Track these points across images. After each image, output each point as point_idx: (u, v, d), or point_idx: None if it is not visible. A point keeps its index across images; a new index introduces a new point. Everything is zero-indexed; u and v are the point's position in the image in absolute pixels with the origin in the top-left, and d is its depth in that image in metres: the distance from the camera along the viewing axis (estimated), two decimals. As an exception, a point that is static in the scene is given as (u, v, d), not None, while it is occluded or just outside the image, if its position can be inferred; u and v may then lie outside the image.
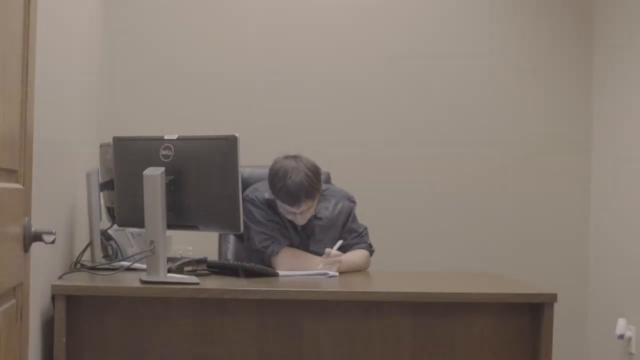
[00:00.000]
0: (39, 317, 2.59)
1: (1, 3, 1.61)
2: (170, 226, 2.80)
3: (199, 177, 2.80)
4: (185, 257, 3.09)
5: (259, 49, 4.49)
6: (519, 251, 4.60)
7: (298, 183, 3.11)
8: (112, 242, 3.20)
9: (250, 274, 2.99)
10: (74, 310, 2.67)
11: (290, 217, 3.24)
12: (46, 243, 1.86)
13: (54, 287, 2.66)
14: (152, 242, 2.75)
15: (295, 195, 3.12)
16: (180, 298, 2.73)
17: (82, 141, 3.51)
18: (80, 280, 2.79)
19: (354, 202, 3.45)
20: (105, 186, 3.14)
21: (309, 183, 3.11)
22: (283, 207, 3.24)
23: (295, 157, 3.24)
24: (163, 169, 2.76)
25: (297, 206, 3.15)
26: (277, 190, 3.19)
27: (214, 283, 2.86)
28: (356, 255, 3.33)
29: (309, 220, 3.27)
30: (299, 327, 2.73)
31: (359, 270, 3.30)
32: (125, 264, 2.94)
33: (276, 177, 3.19)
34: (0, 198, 1.61)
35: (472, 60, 4.63)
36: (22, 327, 1.84)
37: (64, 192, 3.08)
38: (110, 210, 3.22)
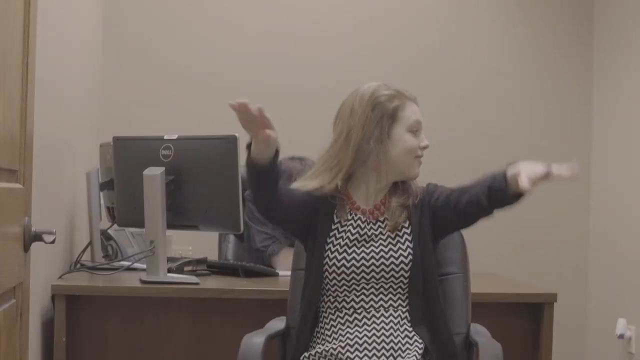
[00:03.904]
0: (39, 317, 2.59)
1: (1, 3, 1.61)
2: (170, 226, 2.80)
3: (199, 177, 2.80)
4: (185, 257, 3.09)
5: (259, 49, 4.49)
6: (519, 251, 4.60)
7: None
8: (112, 242, 3.20)
9: (250, 274, 2.99)
10: (74, 310, 2.67)
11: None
12: (46, 243, 1.86)
13: (54, 287, 2.67)
14: (152, 242, 2.75)
15: None
16: (180, 298, 2.73)
17: (82, 141, 3.51)
18: (80, 280, 2.79)
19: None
20: (105, 186, 3.14)
21: None
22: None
23: (300, 159, 3.25)
24: (163, 169, 2.76)
25: None
26: None
27: (214, 283, 2.86)
28: None
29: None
30: (299, 327, 2.73)
31: None
32: (125, 264, 2.94)
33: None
34: (0, 198, 1.61)
35: (471, 61, 4.63)
36: (22, 327, 1.84)
37: (64, 192, 3.08)
38: (110, 210, 3.22)
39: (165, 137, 2.85)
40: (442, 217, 2.21)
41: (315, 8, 4.55)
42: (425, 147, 2.24)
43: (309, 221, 2.25)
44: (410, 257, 2.17)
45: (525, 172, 1.96)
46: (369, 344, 2.13)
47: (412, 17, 4.60)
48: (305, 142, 4.20)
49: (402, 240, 2.20)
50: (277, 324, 2.41)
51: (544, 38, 4.66)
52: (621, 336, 4.20)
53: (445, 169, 4.63)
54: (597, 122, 4.63)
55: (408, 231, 2.22)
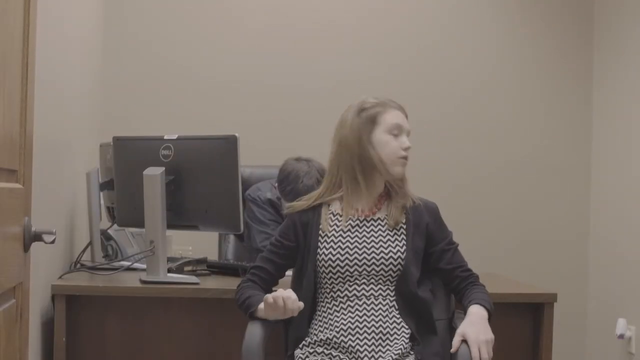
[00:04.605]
0: (39, 317, 2.59)
1: (1, 3, 1.61)
2: (170, 226, 2.80)
3: (199, 177, 2.80)
4: (185, 257, 3.09)
5: (259, 49, 4.49)
6: (519, 251, 4.60)
7: (309, 187, 3.12)
8: (112, 242, 3.20)
9: (250, 274, 2.98)
10: (74, 310, 2.67)
11: (293, 218, 3.26)
12: (46, 243, 1.86)
13: (54, 287, 2.67)
14: (152, 242, 2.75)
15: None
16: (180, 298, 2.73)
17: (82, 141, 3.52)
18: (80, 280, 2.79)
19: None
20: (105, 186, 3.14)
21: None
22: (289, 209, 3.26)
23: (307, 161, 3.26)
24: (163, 169, 2.76)
25: None
26: (286, 192, 3.21)
27: (214, 283, 2.86)
28: None
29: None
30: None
31: None
32: (125, 264, 2.94)
33: (287, 179, 3.21)
34: (0, 198, 1.61)
35: (472, 61, 4.63)
36: (22, 327, 1.84)
37: (64, 192, 3.08)
38: (110, 210, 3.22)
39: (165, 137, 2.85)
40: (432, 260, 2.45)
41: (315, 8, 4.55)
42: (406, 148, 2.40)
43: (299, 245, 2.47)
44: (399, 254, 2.38)
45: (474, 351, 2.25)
46: (360, 328, 2.33)
47: (412, 17, 4.60)
48: (305, 142, 4.21)
49: (392, 240, 2.40)
50: None
51: (544, 38, 4.66)
52: (621, 336, 4.20)
53: (445, 169, 4.64)
54: (597, 122, 4.63)
55: (399, 232, 2.42)
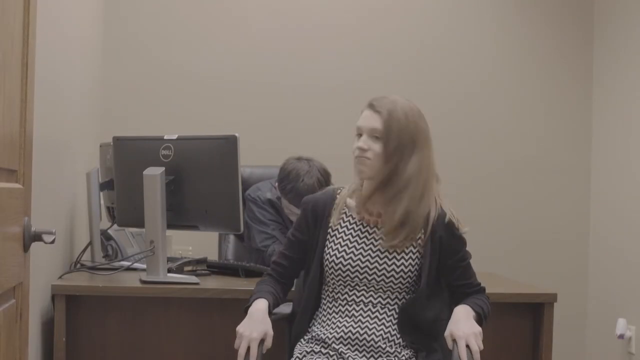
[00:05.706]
0: (39, 317, 2.59)
1: (1, 3, 1.61)
2: (170, 226, 2.80)
3: (199, 177, 2.80)
4: (185, 257, 3.09)
5: (259, 49, 4.49)
6: (519, 251, 4.60)
7: (310, 186, 3.12)
8: (112, 242, 3.20)
9: (250, 274, 2.99)
10: (74, 310, 2.67)
11: (293, 218, 3.25)
12: (46, 243, 1.86)
13: (54, 287, 2.67)
14: (152, 242, 2.75)
15: None
16: (180, 298, 2.73)
17: (82, 141, 3.51)
18: (80, 280, 2.79)
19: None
20: (105, 186, 3.14)
21: (320, 188, 3.13)
22: (289, 208, 3.25)
23: (308, 160, 3.26)
24: (163, 169, 2.76)
25: None
26: (286, 191, 3.20)
27: (214, 283, 2.86)
28: None
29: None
30: (299, 327, 2.73)
31: None
32: (125, 264, 2.94)
33: (287, 178, 3.20)
34: (0, 198, 1.61)
35: (471, 61, 4.63)
36: (22, 327, 1.84)
37: (64, 192, 3.08)
38: (110, 210, 3.22)
39: (165, 137, 2.85)
40: (441, 273, 2.37)
41: (315, 8, 4.55)
42: (357, 148, 2.30)
43: (310, 238, 2.42)
44: (410, 273, 2.32)
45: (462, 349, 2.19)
46: (352, 336, 2.30)
47: (412, 17, 4.60)
48: (305, 142, 4.22)
49: (407, 254, 2.33)
50: (285, 308, 2.50)
51: (544, 38, 4.66)
52: (621, 336, 4.20)
53: (445, 169, 4.61)
54: (597, 122, 4.63)
55: (416, 246, 2.34)
